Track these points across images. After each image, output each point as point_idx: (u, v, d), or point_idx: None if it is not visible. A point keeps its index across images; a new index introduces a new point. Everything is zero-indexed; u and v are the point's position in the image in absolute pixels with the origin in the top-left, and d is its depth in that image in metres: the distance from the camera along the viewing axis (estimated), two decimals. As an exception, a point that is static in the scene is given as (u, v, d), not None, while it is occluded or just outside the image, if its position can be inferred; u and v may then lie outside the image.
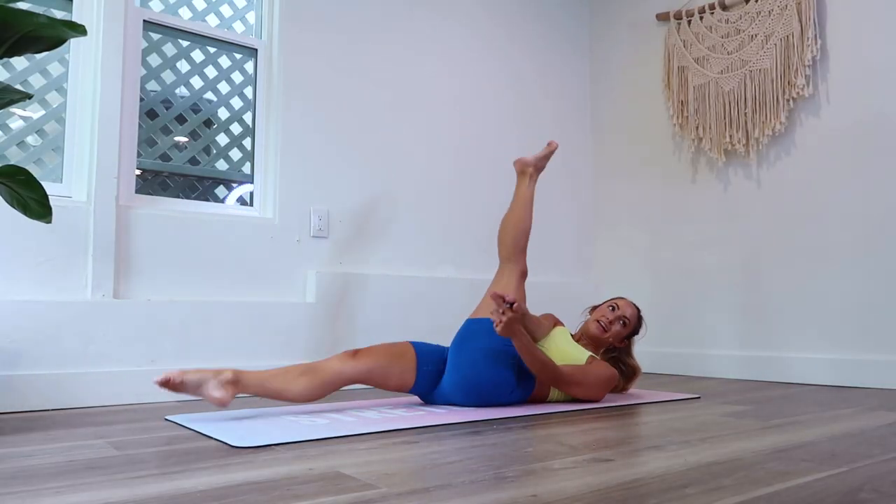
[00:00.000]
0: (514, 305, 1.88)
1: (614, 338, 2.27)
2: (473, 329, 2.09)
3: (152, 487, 1.09)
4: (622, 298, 2.35)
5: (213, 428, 1.65)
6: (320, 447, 1.43)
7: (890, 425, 1.72)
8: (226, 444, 1.47)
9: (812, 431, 1.63)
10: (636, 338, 2.39)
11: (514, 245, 2.25)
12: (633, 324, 2.29)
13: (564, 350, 2.17)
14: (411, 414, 1.90)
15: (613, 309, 2.29)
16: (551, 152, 2.43)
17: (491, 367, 1.99)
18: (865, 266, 2.72)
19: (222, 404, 1.78)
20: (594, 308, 2.40)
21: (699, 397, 2.35)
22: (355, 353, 1.98)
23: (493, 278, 2.28)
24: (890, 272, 2.64)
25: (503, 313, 1.88)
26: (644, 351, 3.46)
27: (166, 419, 1.85)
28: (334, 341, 2.70)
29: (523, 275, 2.24)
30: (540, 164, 2.41)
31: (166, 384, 1.74)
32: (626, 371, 2.35)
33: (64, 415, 1.97)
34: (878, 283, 2.67)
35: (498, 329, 1.90)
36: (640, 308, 2.37)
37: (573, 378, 2.07)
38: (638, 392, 2.45)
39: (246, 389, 1.84)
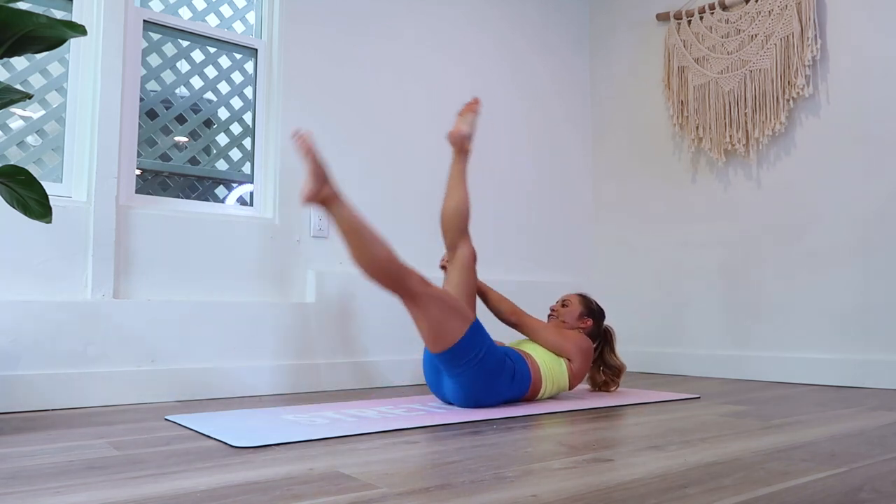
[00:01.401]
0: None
1: (567, 317, 2.35)
2: (448, 363, 1.98)
3: (152, 487, 1.09)
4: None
5: (213, 428, 1.65)
6: (320, 447, 1.44)
7: (890, 425, 1.72)
8: (226, 444, 1.47)
9: (812, 431, 1.63)
10: (612, 330, 2.44)
11: (461, 229, 2.20)
12: (576, 301, 2.38)
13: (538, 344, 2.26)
14: (411, 414, 1.90)
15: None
16: (477, 113, 2.30)
17: (486, 379, 1.98)
18: (865, 266, 2.72)
19: (306, 198, 1.84)
20: None
21: (699, 397, 2.35)
22: (427, 283, 1.92)
23: (447, 270, 2.23)
24: (889, 272, 2.64)
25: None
26: (644, 351, 3.46)
27: (166, 419, 1.85)
28: (334, 341, 2.70)
29: (475, 258, 2.21)
30: (474, 133, 2.29)
31: (301, 139, 1.82)
32: (612, 371, 2.42)
33: (64, 415, 1.97)
34: (877, 283, 2.67)
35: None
36: (585, 294, 2.46)
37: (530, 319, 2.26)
38: (638, 392, 2.45)
39: (331, 211, 1.87)
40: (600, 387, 2.44)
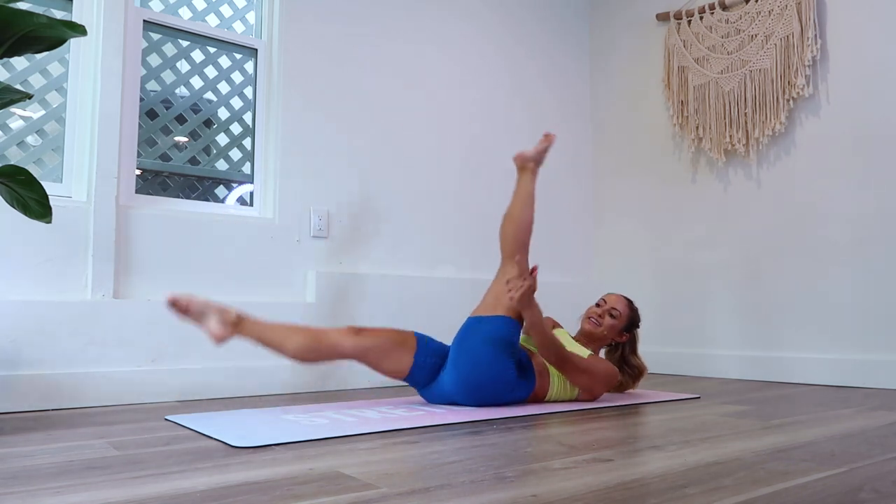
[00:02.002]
0: (534, 273, 2.02)
1: (609, 331, 2.28)
2: (475, 327, 2.07)
3: (152, 487, 1.09)
4: (611, 294, 2.38)
5: (213, 428, 1.65)
6: (320, 447, 1.44)
7: (890, 425, 1.72)
8: (226, 444, 1.47)
9: (812, 431, 1.63)
10: (638, 332, 2.39)
11: (517, 242, 2.20)
12: (625, 314, 2.30)
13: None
14: (411, 414, 1.90)
15: (601, 305, 2.33)
16: (549, 144, 2.36)
17: (492, 366, 1.98)
18: (865, 266, 2.72)
19: (218, 340, 1.86)
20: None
21: (699, 397, 2.35)
22: (358, 331, 1.99)
23: (496, 276, 2.22)
24: (890, 272, 2.64)
25: (524, 279, 1.99)
26: (644, 351, 3.44)
27: (166, 419, 1.85)
28: (334, 341, 2.70)
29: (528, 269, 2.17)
30: (540, 158, 2.34)
31: (174, 304, 1.86)
32: (632, 372, 2.37)
33: (64, 415, 1.97)
34: (877, 283, 2.67)
35: (515, 296, 1.97)
36: (631, 300, 2.37)
37: (580, 363, 2.10)
38: (638, 392, 2.45)
39: (245, 334, 1.91)
40: (620, 387, 2.38)
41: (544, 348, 2.06)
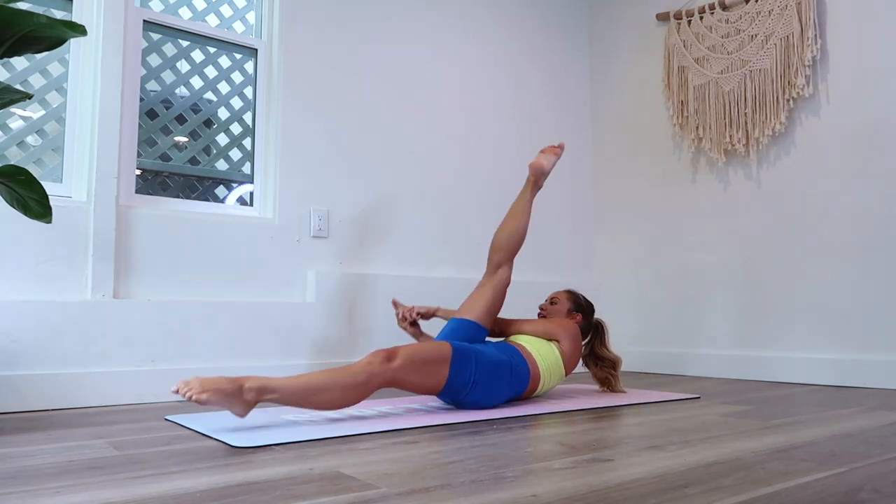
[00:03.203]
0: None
1: (556, 315, 2.39)
2: (458, 331, 2.12)
3: (152, 487, 1.09)
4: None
5: (213, 428, 1.65)
6: (320, 447, 1.44)
7: (890, 425, 1.72)
8: (226, 444, 1.47)
9: (812, 431, 1.63)
10: (603, 324, 2.46)
11: (510, 252, 2.25)
12: (564, 298, 2.42)
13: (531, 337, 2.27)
14: (411, 414, 1.90)
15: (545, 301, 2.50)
16: (560, 155, 2.45)
17: (485, 388, 1.97)
18: (865, 266, 2.72)
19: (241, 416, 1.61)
20: None
21: (699, 397, 2.35)
22: (389, 356, 1.77)
23: (480, 282, 2.26)
24: (890, 272, 2.64)
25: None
26: (644, 351, 3.46)
27: (166, 419, 1.85)
28: (334, 341, 2.70)
29: (508, 282, 2.26)
30: (550, 172, 2.43)
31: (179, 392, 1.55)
32: (606, 364, 2.43)
33: (64, 415, 1.97)
34: (877, 283, 2.67)
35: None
36: (572, 290, 2.49)
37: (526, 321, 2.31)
38: (638, 392, 2.45)
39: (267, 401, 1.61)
40: (605, 384, 2.44)
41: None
